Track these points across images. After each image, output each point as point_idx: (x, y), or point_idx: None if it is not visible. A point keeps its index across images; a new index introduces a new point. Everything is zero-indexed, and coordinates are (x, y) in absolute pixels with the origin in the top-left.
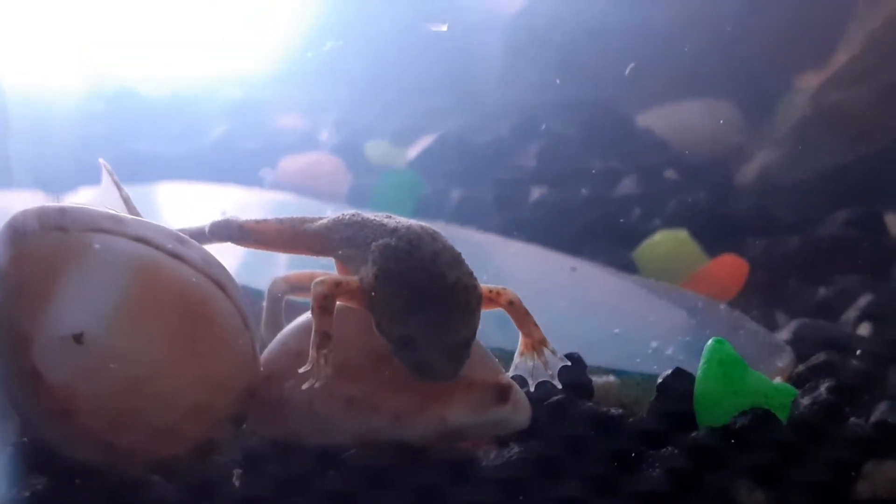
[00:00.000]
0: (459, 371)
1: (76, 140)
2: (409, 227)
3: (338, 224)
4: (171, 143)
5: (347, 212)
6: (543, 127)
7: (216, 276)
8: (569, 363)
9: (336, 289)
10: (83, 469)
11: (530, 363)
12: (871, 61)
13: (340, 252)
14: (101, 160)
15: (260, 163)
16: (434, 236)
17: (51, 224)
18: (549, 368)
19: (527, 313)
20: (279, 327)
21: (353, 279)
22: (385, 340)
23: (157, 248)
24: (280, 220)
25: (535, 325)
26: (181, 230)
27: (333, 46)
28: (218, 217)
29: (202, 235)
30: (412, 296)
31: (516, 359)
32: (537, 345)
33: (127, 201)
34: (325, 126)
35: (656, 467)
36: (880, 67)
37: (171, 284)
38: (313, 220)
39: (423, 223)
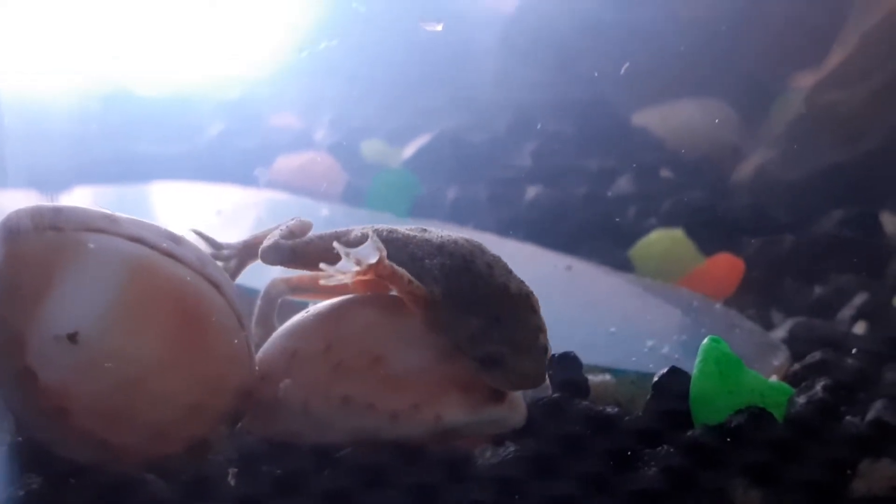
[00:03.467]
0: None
1: (71, 139)
2: (455, 242)
3: None
4: (167, 143)
5: (379, 226)
6: (539, 126)
7: (211, 276)
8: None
9: (409, 285)
10: (78, 468)
11: None
12: (865, 61)
13: None
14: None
15: (255, 162)
16: (480, 248)
17: (45, 223)
18: None
19: None
20: (270, 328)
21: (421, 287)
22: (469, 360)
23: (152, 247)
24: (322, 238)
25: None
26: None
27: (328, 46)
28: (269, 241)
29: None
30: (485, 314)
31: None
32: None
33: (213, 243)
34: (320, 125)
35: (652, 466)
36: (875, 67)
37: (166, 284)
38: (345, 233)
39: (459, 234)
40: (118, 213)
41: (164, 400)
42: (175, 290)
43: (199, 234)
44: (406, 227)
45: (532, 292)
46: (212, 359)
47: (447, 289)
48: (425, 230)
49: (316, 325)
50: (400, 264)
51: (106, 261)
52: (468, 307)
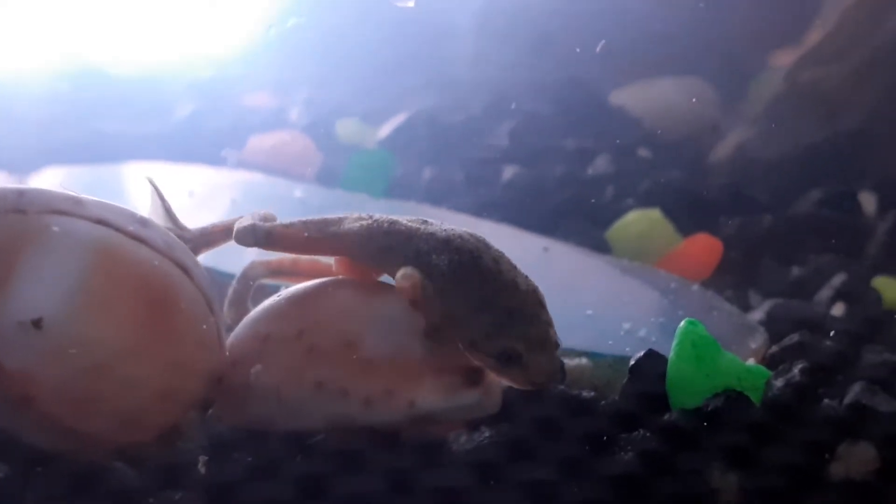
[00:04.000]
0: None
1: (41, 120)
2: (461, 237)
3: (375, 232)
4: (139, 123)
5: (378, 216)
6: (513, 106)
7: (180, 259)
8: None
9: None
10: (45, 456)
11: None
12: (844, 39)
13: (376, 259)
14: (148, 178)
15: (229, 142)
16: (485, 243)
17: (8, 206)
18: None
19: None
20: (243, 311)
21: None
22: (478, 357)
23: (118, 230)
24: (305, 224)
25: None
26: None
27: (297, 23)
28: (244, 222)
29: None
30: (498, 310)
31: None
32: None
33: (169, 212)
34: (294, 105)
35: (629, 450)
36: (854, 45)
37: (133, 267)
38: (336, 221)
39: (461, 229)
40: (83, 196)
41: (131, 386)
42: (142, 274)
43: (155, 187)
44: (406, 218)
45: (537, 287)
46: (180, 344)
47: (457, 285)
48: (426, 222)
49: (288, 309)
50: (406, 259)
51: (71, 244)
52: (480, 303)
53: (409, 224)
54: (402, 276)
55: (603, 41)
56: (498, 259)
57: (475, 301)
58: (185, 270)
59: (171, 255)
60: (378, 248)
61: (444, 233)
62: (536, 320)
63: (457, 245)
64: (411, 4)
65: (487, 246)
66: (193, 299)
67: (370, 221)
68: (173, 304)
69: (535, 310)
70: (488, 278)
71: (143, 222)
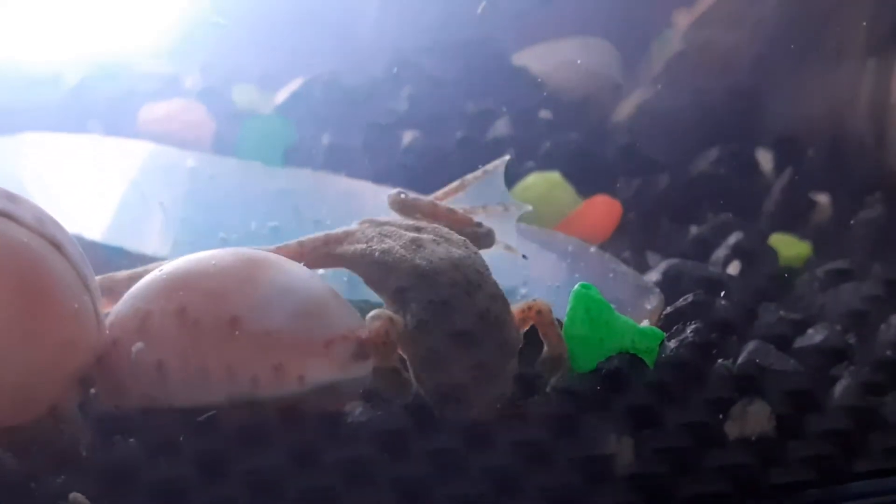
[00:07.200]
0: None
1: None
2: (442, 274)
3: (365, 260)
4: (25, 92)
5: (373, 238)
6: (395, 70)
7: (51, 236)
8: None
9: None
10: None
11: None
12: None
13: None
14: None
15: (121, 110)
16: (468, 281)
17: None
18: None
19: (552, 323)
20: None
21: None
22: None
23: None
24: (301, 244)
25: (560, 337)
26: None
27: None
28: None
29: None
30: (481, 366)
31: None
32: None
33: None
34: (190, 71)
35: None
36: (750, 4)
37: None
38: (338, 238)
39: (448, 261)
40: None
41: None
42: (8, 252)
43: None
44: (400, 238)
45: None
46: (52, 322)
47: (429, 328)
48: (419, 245)
49: (170, 284)
50: (386, 294)
51: None
52: (450, 350)
53: (398, 253)
54: (372, 318)
55: (483, 3)
56: (473, 296)
57: (444, 348)
58: (57, 247)
59: (42, 232)
60: (368, 278)
61: (427, 270)
62: (502, 366)
63: (433, 286)
64: None
65: (469, 283)
66: (66, 276)
67: (364, 246)
68: (43, 281)
69: (504, 361)
70: (461, 324)
71: (12, 198)
